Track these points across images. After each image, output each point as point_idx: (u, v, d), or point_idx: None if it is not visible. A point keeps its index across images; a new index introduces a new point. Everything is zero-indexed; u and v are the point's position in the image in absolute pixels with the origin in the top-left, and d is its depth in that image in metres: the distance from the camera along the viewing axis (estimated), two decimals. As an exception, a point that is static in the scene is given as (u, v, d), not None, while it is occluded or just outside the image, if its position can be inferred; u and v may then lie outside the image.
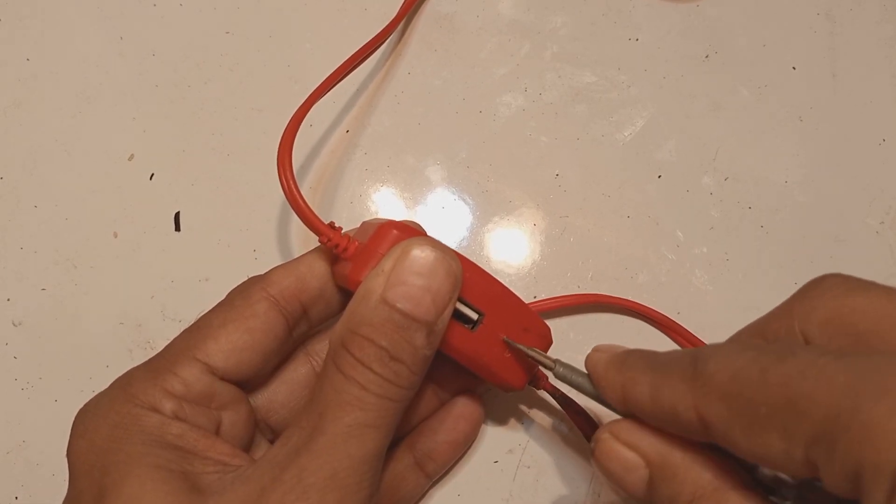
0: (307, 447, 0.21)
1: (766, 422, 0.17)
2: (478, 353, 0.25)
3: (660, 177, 0.35)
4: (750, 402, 0.17)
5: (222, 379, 0.24)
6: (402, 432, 0.28)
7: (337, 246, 0.25)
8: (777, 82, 0.36)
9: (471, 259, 0.25)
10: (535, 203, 0.34)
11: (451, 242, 0.34)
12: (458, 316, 0.24)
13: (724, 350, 0.19)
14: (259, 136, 0.36)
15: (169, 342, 0.25)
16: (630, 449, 0.21)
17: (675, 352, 0.21)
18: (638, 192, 0.35)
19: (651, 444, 0.20)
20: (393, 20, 0.35)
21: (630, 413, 0.22)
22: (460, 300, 0.24)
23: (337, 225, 0.26)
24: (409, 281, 0.22)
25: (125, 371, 0.25)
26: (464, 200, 0.35)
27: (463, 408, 0.28)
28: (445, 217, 0.34)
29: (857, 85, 0.36)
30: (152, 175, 0.35)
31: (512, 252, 0.34)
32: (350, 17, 0.38)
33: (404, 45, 0.37)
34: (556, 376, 0.25)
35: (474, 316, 0.25)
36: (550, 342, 0.27)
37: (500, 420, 0.31)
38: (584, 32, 0.37)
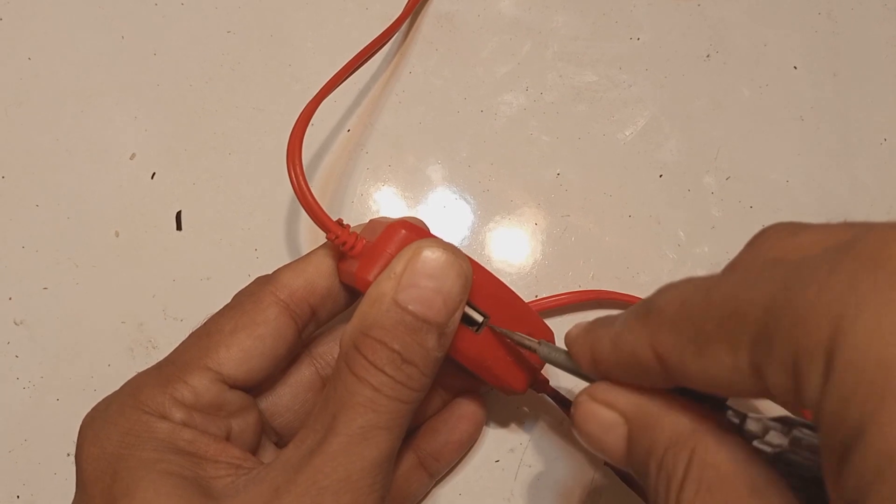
0: (321, 449, 0.21)
1: (713, 337, 0.17)
2: (481, 355, 0.25)
3: (661, 176, 0.35)
4: (697, 323, 0.17)
5: (233, 387, 0.24)
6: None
7: (345, 243, 0.25)
8: (778, 82, 0.36)
9: (474, 259, 0.25)
10: (536, 202, 0.34)
11: (453, 242, 0.34)
12: (462, 317, 0.24)
13: (672, 284, 0.19)
14: (260, 136, 0.36)
15: (179, 345, 0.25)
16: (607, 407, 0.21)
17: (632, 306, 0.21)
18: (639, 191, 0.35)
19: (627, 398, 0.20)
20: (397, 19, 0.35)
21: (603, 376, 0.21)
22: (466, 302, 0.24)
23: (345, 223, 0.26)
24: (420, 283, 0.22)
25: (133, 373, 0.25)
26: (465, 200, 0.35)
27: (465, 408, 0.29)
28: (447, 216, 0.34)
29: (858, 85, 0.36)
30: (154, 174, 0.35)
31: (513, 251, 0.34)
32: (351, 17, 0.38)
33: (406, 45, 0.37)
34: (541, 357, 0.24)
35: (479, 318, 0.25)
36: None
37: (502, 419, 0.31)
38: (585, 32, 0.37)
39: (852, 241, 0.15)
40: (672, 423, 0.19)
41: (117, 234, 0.35)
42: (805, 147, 0.35)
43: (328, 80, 0.30)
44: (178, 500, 0.21)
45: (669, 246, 0.34)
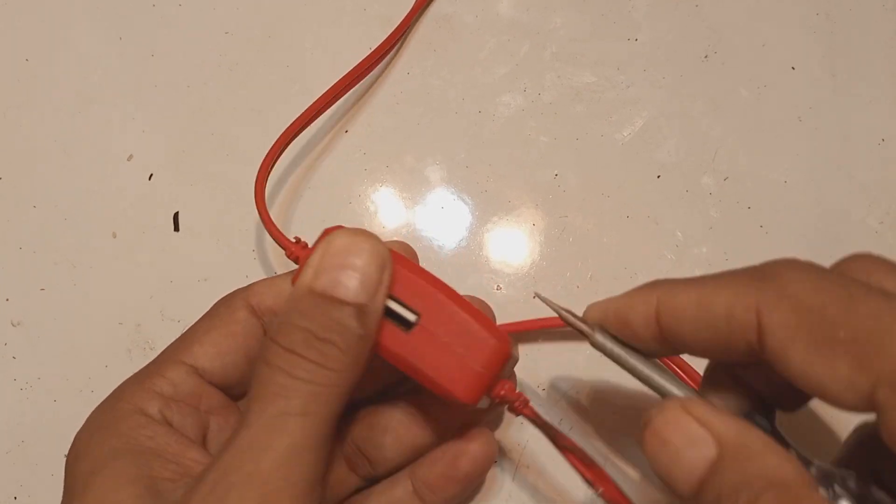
0: (230, 444, 0.20)
1: (840, 345, 0.16)
2: (410, 355, 0.23)
3: (659, 177, 0.35)
4: (830, 321, 0.17)
5: (210, 383, 0.25)
6: (412, 458, 0.27)
7: (297, 258, 0.26)
8: (776, 82, 0.36)
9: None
10: (534, 203, 0.34)
11: (451, 242, 0.34)
12: (393, 317, 0.23)
13: (801, 264, 0.18)
14: (258, 136, 0.36)
15: (159, 353, 0.26)
16: (700, 424, 0.19)
17: (723, 271, 0.20)
18: (637, 191, 0.35)
19: (726, 422, 0.18)
20: (393, 32, 0.35)
21: (661, 342, 0.20)
22: (394, 299, 0.23)
23: (302, 240, 0.26)
24: (333, 265, 0.21)
25: (130, 374, 0.25)
26: (463, 200, 0.35)
27: (468, 444, 0.26)
28: (445, 217, 0.34)
29: (856, 85, 0.36)
30: (151, 175, 0.35)
31: (511, 252, 0.34)
32: (350, 17, 0.38)
33: (404, 46, 0.37)
34: (595, 345, 0.22)
35: (411, 317, 0.23)
36: (506, 353, 0.23)
37: (500, 420, 0.31)
38: (583, 32, 0.37)
39: None
40: (777, 464, 0.18)
41: (115, 235, 0.34)
42: (803, 147, 0.35)
43: (315, 102, 0.32)
44: (127, 497, 0.21)
45: (668, 246, 0.34)
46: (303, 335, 0.21)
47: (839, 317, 0.17)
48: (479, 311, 0.24)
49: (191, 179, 0.35)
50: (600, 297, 0.33)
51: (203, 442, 0.24)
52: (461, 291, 0.33)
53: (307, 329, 0.21)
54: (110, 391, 0.25)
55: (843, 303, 0.17)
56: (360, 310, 0.21)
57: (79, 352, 0.33)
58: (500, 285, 0.33)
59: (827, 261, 0.34)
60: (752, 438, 0.18)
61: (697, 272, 0.33)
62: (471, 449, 0.26)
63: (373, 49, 0.35)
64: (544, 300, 0.23)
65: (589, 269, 0.34)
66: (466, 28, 0.37)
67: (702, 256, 0.34)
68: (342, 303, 0.21)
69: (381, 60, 0.35)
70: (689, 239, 0.34)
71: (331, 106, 0.33)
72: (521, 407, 0.24)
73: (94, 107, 0.36)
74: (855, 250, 0.34)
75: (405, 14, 0.36)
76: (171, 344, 0.26)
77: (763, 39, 0.37)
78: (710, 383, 0.22)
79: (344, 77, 0.33)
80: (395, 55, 0.37)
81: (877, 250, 0.34)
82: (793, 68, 0.37)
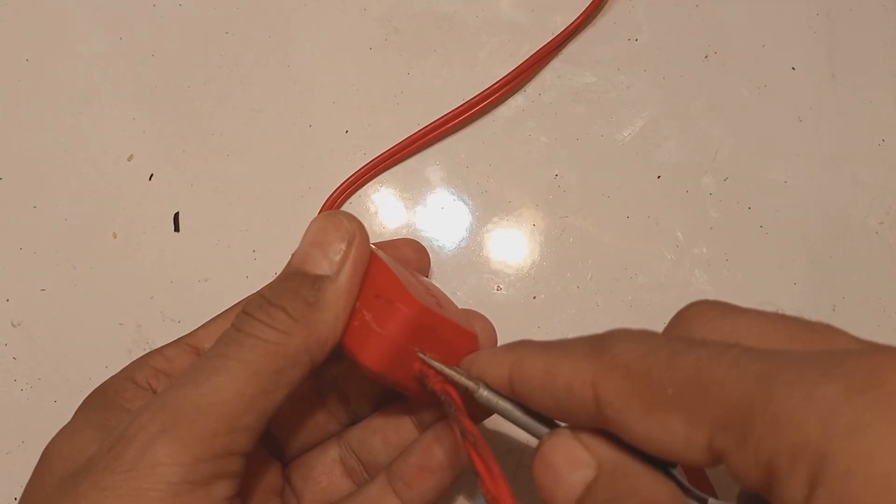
0: (174, 383, 0.21)
1: (670, 403, 0.17)
2: (347, 338, 0.23)
3: (659, 177, 0.35)
4: (656, 382, 0.17)
5: None
6: (387, 459, 0.27)
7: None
8: (776, 82, 0.36)
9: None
10: (534, 203, 0.34)
11: (451, 243, 0.34)
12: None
13: (631, 331, 0.19)
14: (258, 137, 0.36)
15: None
16: (584, 448, 0.19)
17: (570, 339, 0.20)
18: (637, 192, 0.35)
19: (610, 448, 0.19)
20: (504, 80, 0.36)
21: (517, 400, 0.21)
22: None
23: None
24: (307, 242, 0.23)
25: None
26: (463, 201, 0.35)
27: (442, 431, 0.25)
28: (445, 217, 0.34)
29: (856, 85, 0.36)
30: (151, 175, 0.35)
31: (511, 252, 0.34)
32: (349, 17, 0.38)
33: (404, 46, 0.37)
34: (481, 402, 0.22)
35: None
36: (412, 320, 0.22)
37: (499, 420, 0.31)
38: (583, 33, 0.37)
39: (845, 355, 0.15)
40: (649, 484, 0.18)
41: (115, 236, 0.34)
42: (803, 148, 0.35)
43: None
44: (87, 439, 0.22)
45: (668, 247, 0.34)
46: (258, 300, 0.22)
47: (664, 376, 0.17)
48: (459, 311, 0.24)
49: (191, 179, 0.35)
50: (601, 298, 0.33)
51: None
52: (461, 292, 0.33)
53: (263, 295, 0.22)
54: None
55: (666, 361, 0.17)
56: (319, 280, 0.22)
57: (79, 352, 0.33)
58: (500, 286, 0.33)
59: (827, 261, 0.34)
60: (630, 462, 0.19)
61: (697, 272, 0.33)
62: (444, 436, 0.25)
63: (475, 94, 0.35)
64: (427, 361, 0.23)
65: (589, 270, 0.34)
66: (467, 28, 0.37)
67: (702, 256, 0.34)
68: (303, 274, 0.23)
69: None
70: (690, 239, 0.34)
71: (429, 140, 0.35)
72: (434, 382, 0.22)
73: (95, 107, 0.36)
74: (855, 250, 0.34)
75: (407, 14, 0.36)
76: None
77: (763, 39, 0.37)
78: None
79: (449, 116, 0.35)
80: (395, 54, 0.37)
81: (877, 250, 0.34)
82: (793, 68, 0.37)
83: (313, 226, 0.23)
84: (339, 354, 0.23)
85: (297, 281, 0.23)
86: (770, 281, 0.33)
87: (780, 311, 0.19)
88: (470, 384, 0.22)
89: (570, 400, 0.19)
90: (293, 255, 0.23)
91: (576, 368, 0.19)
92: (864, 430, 0.14)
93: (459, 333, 0.24)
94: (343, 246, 0.23)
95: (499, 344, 0.26)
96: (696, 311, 0.20)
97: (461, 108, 0.35)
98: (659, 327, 0.21)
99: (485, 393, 0.22)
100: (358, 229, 0.23)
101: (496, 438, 0.31)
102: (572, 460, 0.19)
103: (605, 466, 0.19)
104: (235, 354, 0.21)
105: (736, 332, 0.18)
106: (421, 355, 0.23)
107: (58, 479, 0.21)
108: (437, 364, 0.23)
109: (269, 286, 0.23)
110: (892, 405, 0.14)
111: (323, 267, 0.23)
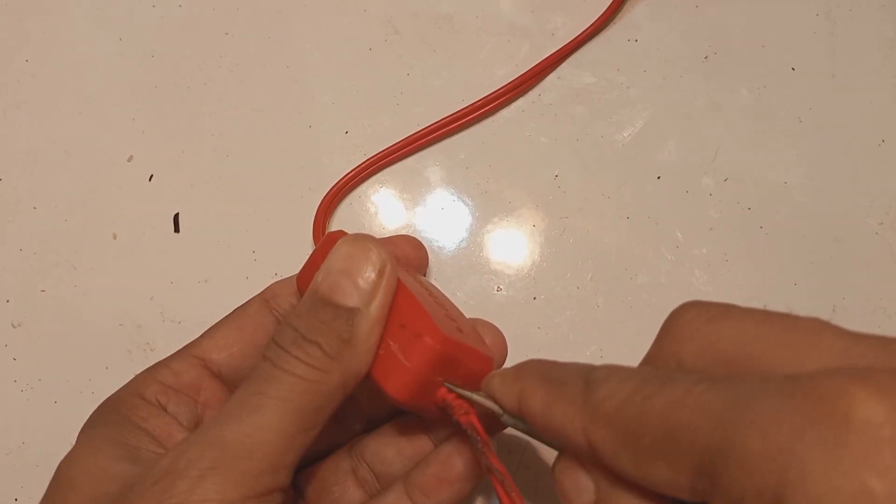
0: (208, 422, 0.21)
1: (650, 451, 0.17)
2: (373, 367, 0.23)
3: (659, 178, 0.35)
4: (634, 433, 0.17)
5: (217, 375, 0.26)
6: (401, 470, 0.27)
7: None
8: (776, 83, 0.36)
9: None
10: (534, 204, 0.34)
11: (451, 243, 0.34)
12: None
13: (615, 375, 0.19)
14: (258, 137, 0.36)
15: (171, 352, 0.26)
16: (587, 473, 0.20)
17: (570, 366, 0.20)
18: (637, 192, 0.35)
19: (607, 474, 0.20)
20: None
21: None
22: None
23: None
24: (336, 270, 0.23)
25: (131, 375, 0.26)
26: (463, 201, 0.35)
27: (461, 443, 0.25)
28: (445, 218, 0.34)
29: (856, 86, 0.36)
30: (151, 176, 0.35)
31: (511, 253, 0.34)
32: (349, 18, 0.38)
33: (404, 46, 0.37)
34: (507, 423, 0.22)
35: None
36: (439, 353, 0.23)
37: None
38: (583, 33, 0.37)
39: (799, 383, 0.15)
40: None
41: (115, 237, 0.34)
42: (803, 148, 0.35)
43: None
44: (106, 459, 0.22)
45: (668, 247, 0.34)
46: (292, 335, 0.22)
47: (640, 425, 0.17)
48: (449, 320, 0.24)
49: (191, 180, 0.35)
50: (601, 298, 0.33)
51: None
52: (461, 293, 0.33)
53: (297, 329, 0.22)
54: (111, 392, 0.25)
55: (640, 408, 0.17)
56: (352, 314, 0.22)
57: (79, 353, 0.33)
58: (501, 286, 0.33)
59: (827, 261, 0.34)
60: (622, 487, 0.19)
61: (697, 272, 0.33)
62: (464, 447, 0.25)
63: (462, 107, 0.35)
64: (454, 389, 0.23)
65: (589, 270, 0.34)
66: (467, 28, 0.37)
67: (702, 257, 0.34)
68: (336, 306, 0.22)
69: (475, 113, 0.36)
70: (690, 240, 0.34)
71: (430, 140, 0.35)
72: (459, 414, 0.23)
73: (95, 107, 0.36)
74: (855, 250, 0.34)
75: (407, 15, 0.36)
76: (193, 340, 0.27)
77: (763, 40, 0.37)
78: None
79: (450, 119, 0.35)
80: (395, 55, 0.37)
81: (877, 250, 0.34)
82: (793, 68, 0.37)
83: (341, 251, 0.23)
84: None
85: (329, 313, 0.22)
86: (770, 281, 0.33)
87: (765, 307, 0.19)
88: (497, 409, 0.22)
89: (568, 442, 0.19)
90: (320, 279, 0.23)
91: (567, 413, 0.19)
92: (812, 475, 0.14)
93: (479, 358, 0.24)
94: (373, 275, 0.23)
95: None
96: (684, 322, 0.20)
97: (463, 111, 0.35)
98: (659, 327, 0.21)
99: (510, 418, 0.22)
100: (388, 259, 0.23)
101: (499, 438, 0.31)
102: (576, 485, 0.20)
103: (603, 491, 0.20)
104: (276, 393, 0.21)
105: (721, 340, 0.19)
106: (447, 384, 0.23)
107: (88, 500, 0.21)
108: (464, 392, 0.23)
109: (300, 316, 0.22)
110: (839, 440, 0.14)
111: (354, 298, 0.22)
